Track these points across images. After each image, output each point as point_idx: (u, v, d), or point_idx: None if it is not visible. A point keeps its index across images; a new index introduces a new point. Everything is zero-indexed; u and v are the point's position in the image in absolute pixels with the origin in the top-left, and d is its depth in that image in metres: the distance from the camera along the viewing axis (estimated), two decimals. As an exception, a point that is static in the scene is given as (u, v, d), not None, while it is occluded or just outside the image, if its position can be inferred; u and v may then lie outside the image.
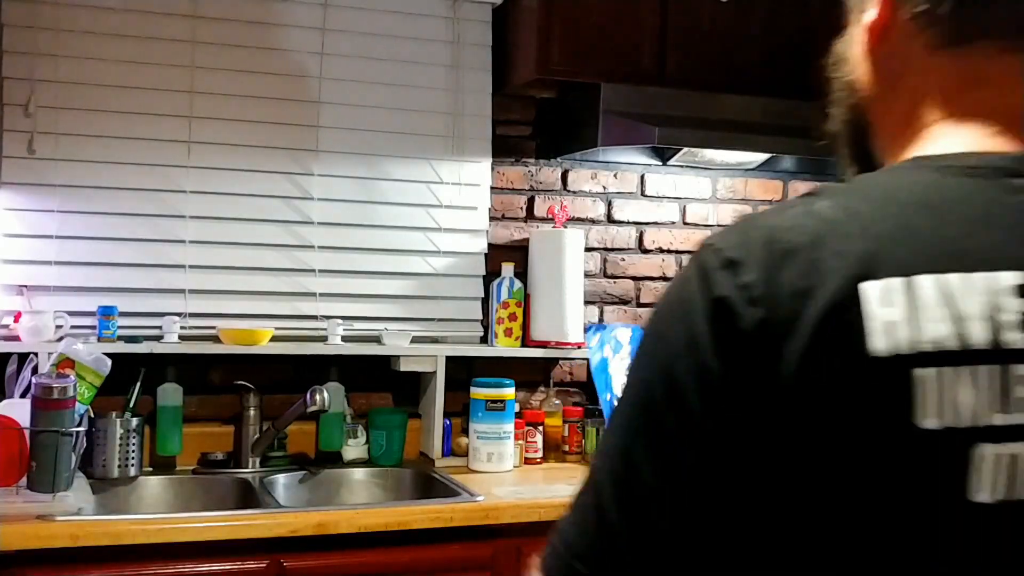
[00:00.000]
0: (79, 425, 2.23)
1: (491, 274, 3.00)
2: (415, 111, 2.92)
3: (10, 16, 2.56)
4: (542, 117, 3.07)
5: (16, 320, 2.53)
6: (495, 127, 3.01)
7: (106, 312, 2.58)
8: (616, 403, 0.82)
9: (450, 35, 2.94)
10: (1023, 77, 0.83)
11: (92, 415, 2.43)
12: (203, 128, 2.72)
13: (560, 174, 3.11)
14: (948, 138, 0.83)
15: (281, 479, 2.66)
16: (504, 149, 3.04)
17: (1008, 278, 0.74)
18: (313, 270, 2.84)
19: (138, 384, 2.57)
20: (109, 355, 2.40)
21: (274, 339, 2.72)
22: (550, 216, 3.05)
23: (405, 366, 2.82)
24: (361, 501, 2.73)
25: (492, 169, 3.02)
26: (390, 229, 2.91)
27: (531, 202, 3.08)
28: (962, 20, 0.83)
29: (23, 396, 2.28)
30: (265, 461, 2.73)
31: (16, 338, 2.51)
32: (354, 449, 2.82)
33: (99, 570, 2.06)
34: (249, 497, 2.53)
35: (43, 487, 2.14)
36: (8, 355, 2.41)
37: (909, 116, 0.87)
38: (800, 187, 3.35)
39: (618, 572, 0.78)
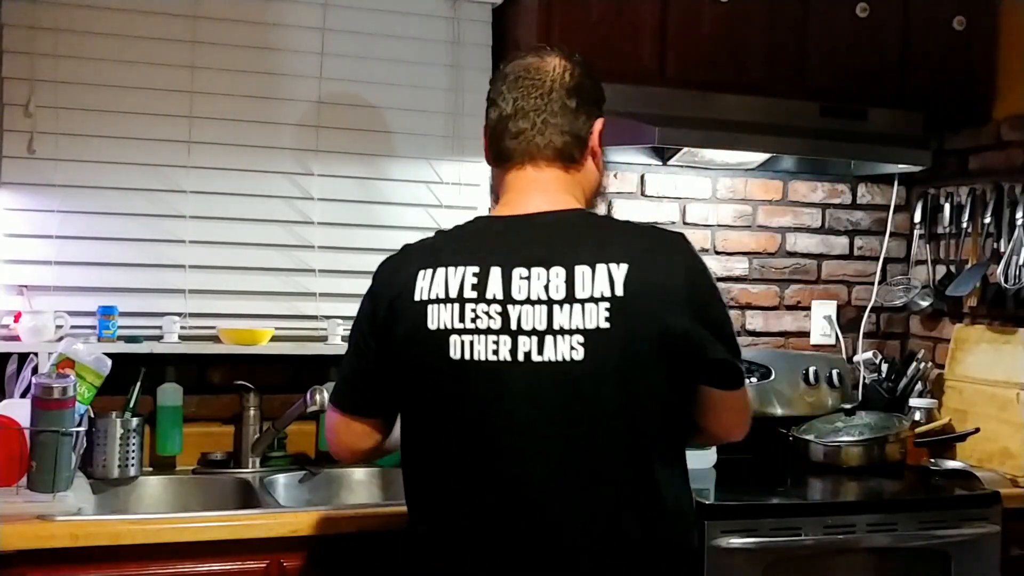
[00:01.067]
0: (79, 425, 2.22)
1: (491, 274, 2.99)
2: (415, 111, 2.91)
3: (10, 16, 2.56)
4: (542, 117, 3.06)
5: (16, 320, 2.53)
6: (495, 127, 3.00)
7: (106, 312, 2.59)
8: None
9: (450, 35, 2.94)
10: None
11: (92, 415, 2.43)
12: (203, 128, 2.72)
13: (560, 174, 3.10)
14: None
15: (281, 479, 2.66)
16: (504, 149, 3.03)
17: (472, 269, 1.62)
18: (313, 270, 2.83)
19: (138, 384, 2.57)
20: (109, 355, 2.40)
21: (274, 339, 2.72)
22: (550, 216, 3.05)
23: (405, 366, 2.81)
24: (361, 501, 2.73)
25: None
26: (390, 229, 2.91)
27: (531, 202, 3.07)
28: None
29: (23, 396, 2.28)
30: (265, 461, 2.73)
31: (16, 338, 2.51)
32: (354, 449, 2.81)
33: (99, 570, 2.06)
34: (249, 497, 2.53)
35: (43, 487, 2.14)
36: (8, 355, 2.41)
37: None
38: (800, 187, 3.35)
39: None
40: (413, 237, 2.87)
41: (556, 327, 1.56)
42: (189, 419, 2.72)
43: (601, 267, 1.57)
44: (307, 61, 2.81)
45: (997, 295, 3.04)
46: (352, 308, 2.82)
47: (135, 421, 2.53)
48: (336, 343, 2.77)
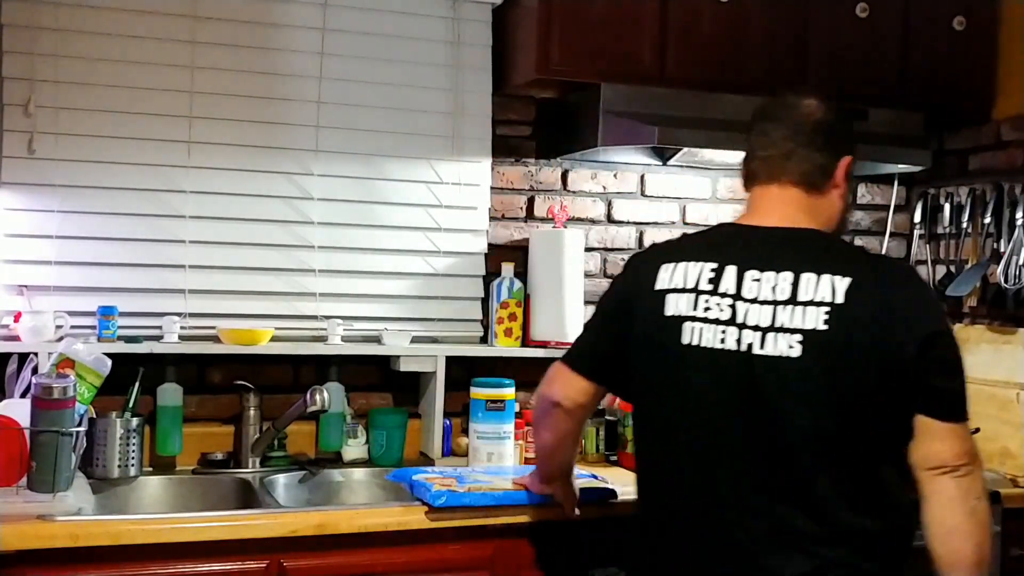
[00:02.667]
0: (79, 425, 2.22)
1: (491, 274, 3.00)
2: (415, 111, 2.92)
3: (10, 16, 2.56)
4: (542, 117, 3.07)
5: (16, 320, 2.53)
6: (495, 127, 3.01)
7: (106, 312, 2.59)
8: None
9: (450, 35, 2.94)
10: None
11: (92, 415, 2.43)
12: (203, 128, 2.72)
13: (560, 174, 3.11)
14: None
15: (281, 479, 2.66)
16: (504, 149, 3.04)
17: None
18: (313, 270, 2.84)
19: (137, 384, 2.57)
20: (109, 355, 2.40)
21: (274, 339, 2.72)
22: (550, 216, 3.05)
23: (405, 366, 2.82)
24: (361, 501, 2.73)
25: (492, 169, 3.02)
26: (390, 229, 2.91)
27: (531, 202, 3.08)
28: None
29: (23, 396, 2.28)
30: (265, 461, 2.73)
31: (16, 338, 2.51)
32: (354, 449, 2.82)
33: (99, 570, 2.06)
34: (249, 497, 2.53)
35: (43, 487, 2.14)
36: (8, 355, 2.41)
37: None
38: (800, 187, 3.35)
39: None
40: (413, 237, 2.93)
41: (778, 325, 1.73)
42: (189, 419, 2.72)
43: (826, 277, 1.74)
44: (307, 61, 2.81)
45: (997, 295, 3.04)
46: (352, 308, 2.88)
47: (135, 421, 2.53)
48: (336, 343, 2.78)
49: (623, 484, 2.45)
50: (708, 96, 2.85)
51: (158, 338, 2.65)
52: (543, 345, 2.95)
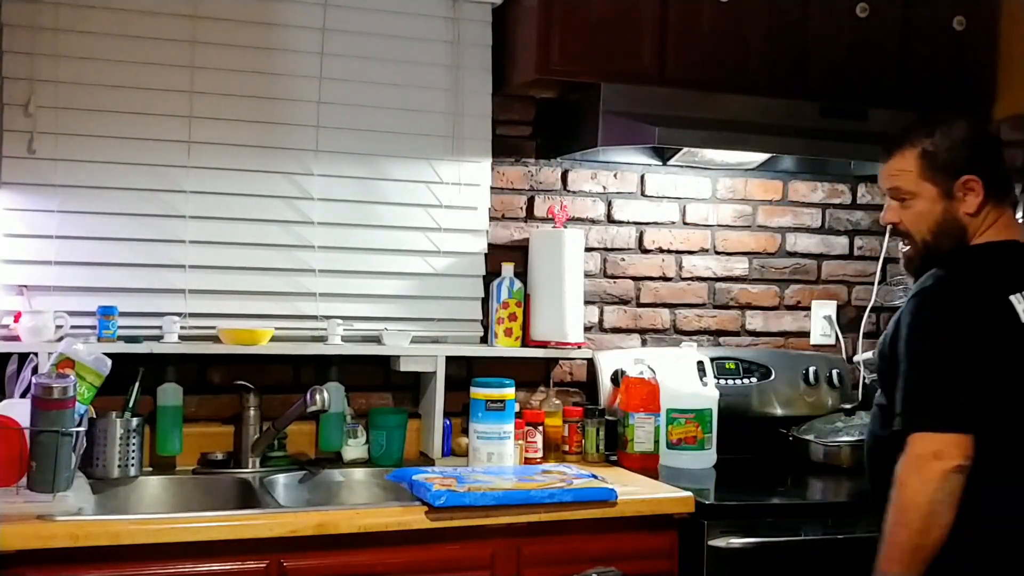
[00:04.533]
0: (79, 425, 2.22)
1: (491, 274, 3.00)
2: (415, 111, 2.92)
3: (10, 16, 2.56)
4: (542, 117, 3.07)
5: (16, 320, 2.53)
6: (495, 127, 3.01)
7: (106, 312, 2.58)
8: None
9: (450, 35, 2.94)
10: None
11: (92, 415, 2.43)
12: (203, 128, 2.72)
13: (560, 174, 3.11)
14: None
15: (281, 479, 2.66)
16: (504, 149, 3.04)
17: None
18: (313, 270, 2.83)
19: (137, 384, 2.57)
20: (109, 355, 2.40)
21: (274, 339, 2.72)
22: (550, 216, 3.05)
23: (405, 366, 2.82)
24: (361, 501, 2.73)
25: (492, 169, 3.02)
26: (390, 229, 2.91)
27: (531, 202, 3.08)
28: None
29: (23, 396, 2.28)
30: (265, 461, 2.73)
31: (16, 338, 2.51)
32: (354, 449, 2.82)
33: (99, 570, 2.06)
34: (249, 497, 2.53)
35: (43, 487, 2.14)
36: (8, 355, 2.41)
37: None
38: (800, 187, 3.35)
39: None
40: (413, 237, 2.93)
41: None
42: (189, 419, 2.72)
43: None
44: (307, 61, 2.81)
45: (997, 295, 3.04)
46: (352, 308, 2.88)
47: (135, 421, 2.53)
48: (336, 343, 2.78)
49: (623, 484, 2.45)
50: (708, 96, 2.85)
51: (158, 338, 2.65)
52: (543, 345, 2.95)
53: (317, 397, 2.58)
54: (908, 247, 2.12)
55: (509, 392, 2.75)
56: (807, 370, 3.17)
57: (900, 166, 2.08)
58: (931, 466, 1.84)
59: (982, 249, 2.04)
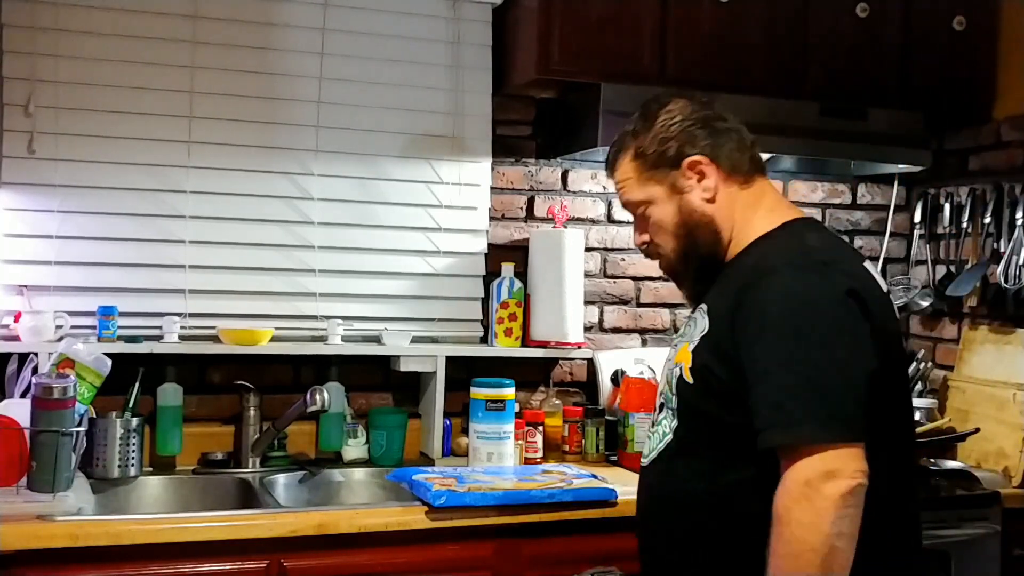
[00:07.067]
0: (79, 425, 2.22)
1: (491, 274, 3.00)
2: (415, 111, 2.91)
3: (10, 16, 2.56)
4: (542, 117, 3.07)
5: (16, 320, 2.53)
6: (495, 127, 3.01)
7: (106, 312, 2.58)
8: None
9: (450, 35, 2.94)
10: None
11: (92, 415, 2.43)
12: (203, 128, 2.72)
13: (560, 174, 3.11)
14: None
15: (281, 479, 2.66)
16: (504, 149, 3.04)
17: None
18: (313, 270, 2.83)
19: (137, 384, 2.57)
20: (109, 355, 2.40)
21: (274, 339, 2.72)
22: (550, 216, 3.05)
23: (405, 366, 2.82)
24: (361, 501, 2.73)
25: (492, 169, 3.02)
26: (390, 229, 2.91)
27: (531, 202, 3.08)
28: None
29: (23, 396, 2.28)
30: (265, 461, 2.73)
31: (16, 338, 2.51)
32: (354, 449, 2.82)
33: (99, 570, 2.06)
34: (249, 497, 2.53)
35: (43, 487, 2.14)
36: (8, 355, 2.41)
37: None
38: (800, 187, 3.35)
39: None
40: (413, 237, 2.93)
41: None
42: (189, 419, 2.72)
43: None
44: (307, 61, 2.81)
45: (997, 295, 3.04)
46: (352, 308, 2.88)
47: (135, 421, 2.53)
48: (336, 343, 2.78)
49: (623, 484, 2.45)
50: (708, 96, 2.84)
51: (158, 338, 2.65)
52: (543, 345, 2.95)
53: (317, 397, 2.58)
54: (661, 260, 1.80)
55: (509, 392, 2.75)
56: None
57: (621, 177, 1.78)
58: (825, 491, 1.43)
59: (794, 228, 1.70)
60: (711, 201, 1.71)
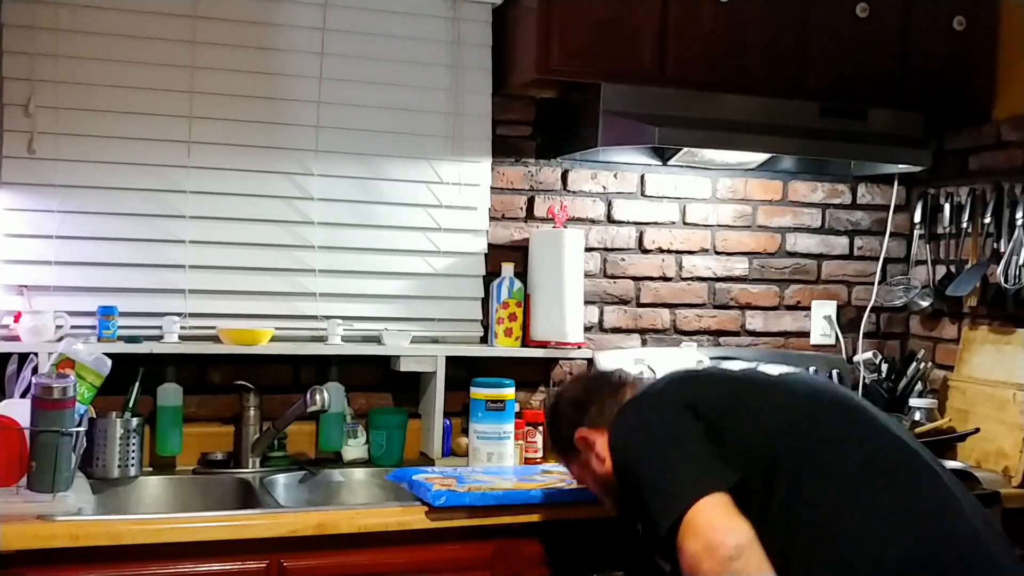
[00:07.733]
0: (79, 425, 2.22)
1: (491, 274, 3.00)
2: (415, 111, 2.92)
3: (10, 16, 2.56)
4: (542, 117, 3.07)
5: (16, 320, 2.53)
6: (495, 127, 3.01)
7: (106, 312, 2.59)
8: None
9: (450, 35, 2.94)
10: None
11: (92, 415, 2.43)
12: (203, 128, 2.72)
13: (560, 174, 3.11)
14: None
15: (281, 479, 2.66)
16: (504, 149, 3.04)
17: None
18: (313, 270, 2.83)
19: (137, 384, 2.57)
20: (109, 355, 2.40)
21: (274, 339, 2.72)
22: (550, 216, 3.05)
23: (405, 366, 2.82)
24: (361, 501, 2.73)
25: (492, 169, 3.02)
26: (390, 229, 2.91)
27: (531, 202, 3.08)
28: None
29: (23, 396, 2.28)
30: (265, 461, 2.73)
31: (16, 338, 2.51)
32: (354, 449, 2.82)
33: (99, 570, 2.06)
34: (249, 497, 2.53)
35: (43, 487, 2.14)
36: (8, 355, 2.41)
37: None
38: (800, 187, 3.35)
39: None
40: (413, 237, 2.93)
41: None
42: (189, 419, 2.72)
43: None
44: (307, 61, 2.81)
45: (997, 295, 3.04)
46: (352, 308, 2.88)
47: (135, 421, 2.53)
48: (336, 343, 2.78)
49: (623, 484, 2.44)
50: (708, 96, 2.86)
51: (158, 338, 2.65)
52: (543, 345, 2.95)
53: (317, 397, 2.58)
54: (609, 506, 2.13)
55: (509, 392, 2.76)
56: (807, 370, 3.17)
57: (563, 464, 2.25)
58: (715, 541, 1.58)
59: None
60: (604, 459, 2.01)
